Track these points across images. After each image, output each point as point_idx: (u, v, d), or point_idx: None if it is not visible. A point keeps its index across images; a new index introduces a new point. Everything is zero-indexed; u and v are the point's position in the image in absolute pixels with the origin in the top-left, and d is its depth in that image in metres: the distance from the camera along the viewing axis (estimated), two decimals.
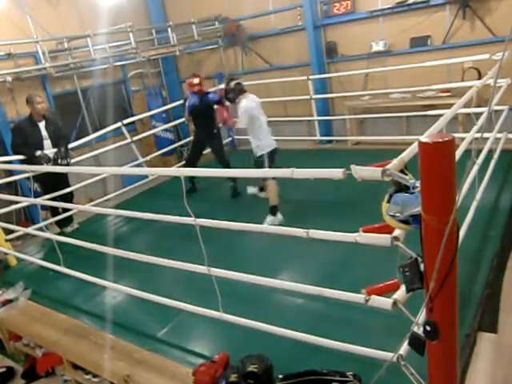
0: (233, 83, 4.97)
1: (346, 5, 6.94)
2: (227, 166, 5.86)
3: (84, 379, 3.28)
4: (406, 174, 1.78)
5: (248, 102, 4.78)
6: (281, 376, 2.49)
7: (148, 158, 6.77)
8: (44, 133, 5.08)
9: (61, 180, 5.21)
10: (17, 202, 5.13)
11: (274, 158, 4.91)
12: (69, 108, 7.27)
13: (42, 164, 4.86)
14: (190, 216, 2.66)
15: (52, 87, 7.06)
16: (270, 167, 4.75)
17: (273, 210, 4.71)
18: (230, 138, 8.21)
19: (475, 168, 3.67)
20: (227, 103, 5.26)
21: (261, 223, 2.61)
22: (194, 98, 5.77)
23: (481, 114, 4.30)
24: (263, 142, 4.83)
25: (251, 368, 2.46)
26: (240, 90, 4.90)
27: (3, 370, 3.77)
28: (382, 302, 2.08)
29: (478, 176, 3.74)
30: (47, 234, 4.50)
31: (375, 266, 2.97)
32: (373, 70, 6.88)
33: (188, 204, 2.58)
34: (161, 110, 7.44)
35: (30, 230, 4.93)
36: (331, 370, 2.44)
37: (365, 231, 2.05)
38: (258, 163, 4.84)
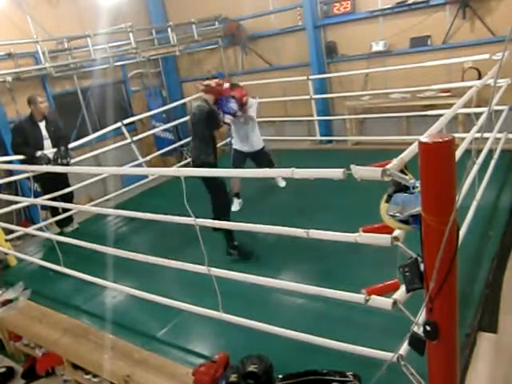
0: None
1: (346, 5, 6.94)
2: None
3: (84, 379, 3.28)
4: (406, 174, 1.78)
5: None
6: (281, 376, 2.49)
7: (148, 158, 6.76)
8: (44, 133, 5.08)
9: (61, 180, 5.20)
10: (17, 202, 5.12)
11: None
12: (69, 108, 7.27)
13: (41, 164, 4.85)
14: (190, 216, 2.66)
15: (52, 87, 7.07)
16: None
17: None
18: (229, 138, 8.19)
19: (475, 168, 3.66)
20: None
21: (261, 223, 2.61)
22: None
23: (481, 113, 4.30)
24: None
25: (251, 368, 2.46)
26: None
27: (3, 370, 3.77)
28: (382, 302, 2.08)
29: (478, 176, 3.73)
30: (47, 234, 4.50)
31: (375, 266, 2.97)
32: (373, 70, 6.87)
33: (188, 204, 2.58)
34: (161, 109, 7.43)
35: (30, 230, 4.93)
36: (331, 370, 2.44)
37: (365, 231, 2.05)
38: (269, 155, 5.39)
